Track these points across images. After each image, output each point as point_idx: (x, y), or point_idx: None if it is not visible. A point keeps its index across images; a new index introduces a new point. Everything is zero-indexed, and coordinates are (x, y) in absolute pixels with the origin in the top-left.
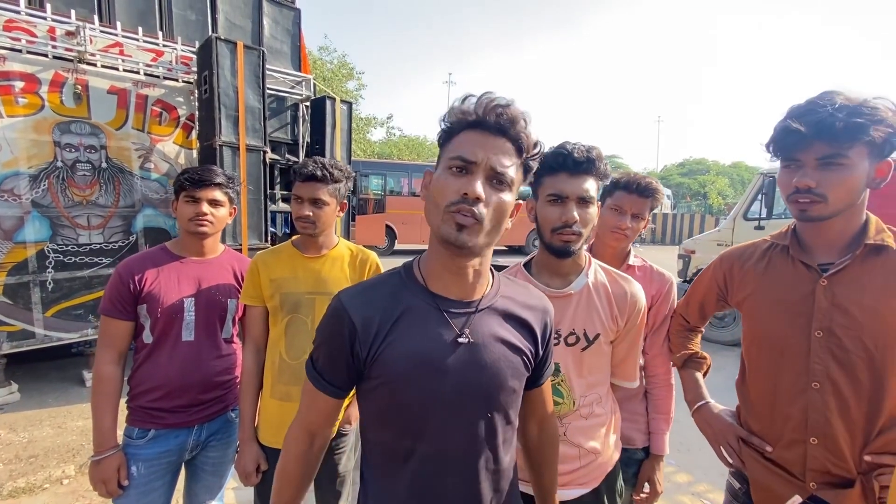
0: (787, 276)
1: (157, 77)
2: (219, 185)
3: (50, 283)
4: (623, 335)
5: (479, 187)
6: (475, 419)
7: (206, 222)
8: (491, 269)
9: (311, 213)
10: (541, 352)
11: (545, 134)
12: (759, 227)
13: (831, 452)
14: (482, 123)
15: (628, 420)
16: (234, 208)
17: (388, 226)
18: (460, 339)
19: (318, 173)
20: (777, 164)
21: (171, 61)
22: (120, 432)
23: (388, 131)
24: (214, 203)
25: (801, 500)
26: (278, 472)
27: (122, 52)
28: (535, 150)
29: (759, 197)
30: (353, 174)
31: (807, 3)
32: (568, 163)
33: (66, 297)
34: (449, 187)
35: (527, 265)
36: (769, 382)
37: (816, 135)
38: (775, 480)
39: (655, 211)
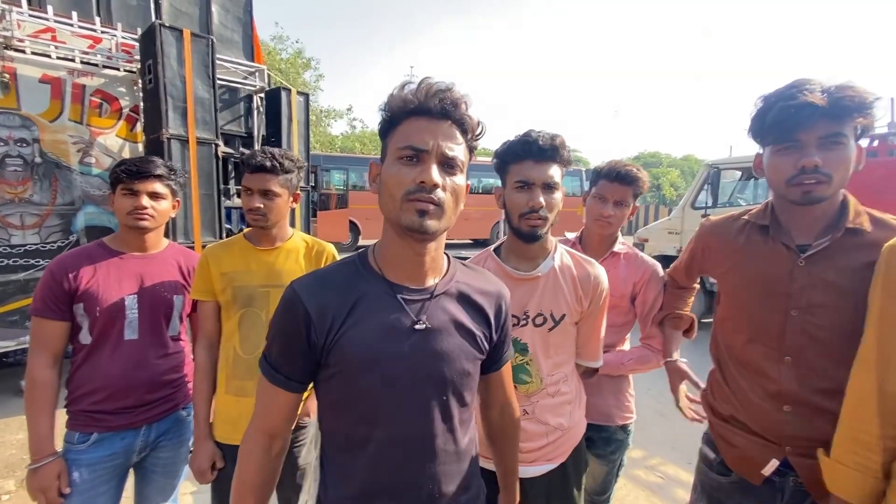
0: (765, 254)
1: (96, 66)
2: (159, 176)
3: None
4: (586, 316)
5: (436, 174)
6: (431, 403)
7: (146, 216)
8: (447, 255)
9: (261, 205)
10: (495, 336)
11: (510, 130)
12: (706, 216)
13: (805, 420)
14: (426, 109)
15: (610, 396)
16: (178, 201)
17: (351, 221)
18: (417, 326)
19: (268, 164)
20: (723, 155)
21: (110, 49)
22: (60, 439)
23: (349, 123)
24: (155, 196)
25: (777, 463)
26: (237, 484)
27: (54, 39)
28: (479, 131)
29: (706, 187)
30: (305, 164)
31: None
32: (533, 150)
33: None
34: (404, 176)
35: (496, 250)
36: (747, 353)
37: (825, 110)
38: (752, 447)
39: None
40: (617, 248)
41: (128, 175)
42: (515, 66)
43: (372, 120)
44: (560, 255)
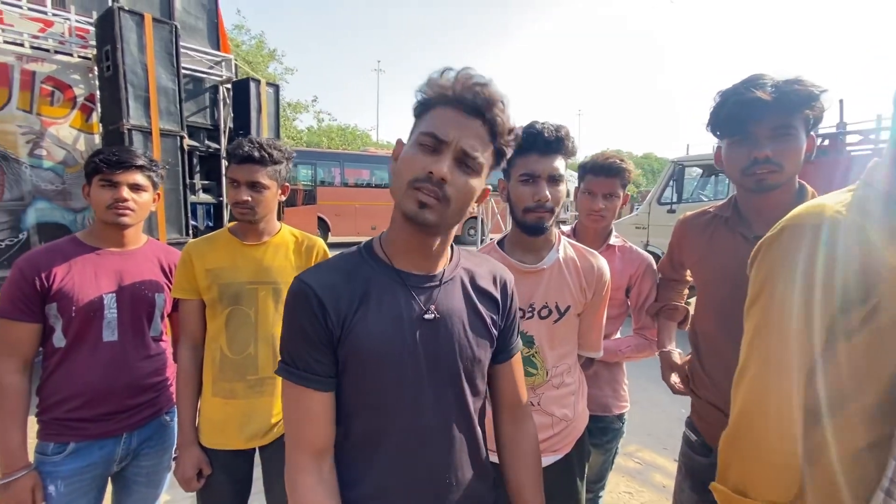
0: (727, 246)
1: (47, 51)
2: (140, 167)
3: None
4: (589, 306)
5: (446, 168)
6: (446, 392)
7: (126, 210)
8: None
9: (249, 198)
10: (504, 319)
11: None
12: (672, 211)
13: None
14: (459, 101)
15: (607, 388)
16: (158, 194)
17: (320, 218)
18: (426, 316)
19: (256, 154)
20: (681, 153)
21: (63, 33)
22: (31, 450)
23: (316, 116)
24: (136, 188)
25: None
26: None
27: (1, 22)
28: (510, 136)
29: (671, 183)
30: (294, 154)
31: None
32: (538, 143)
33: None
34: (416, 163)
35: (500, 243)
36: (718, 342)
37: (773, 104)
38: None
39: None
40: (612, 241)
41: (107, 165)
42: (479, 56)
43: (340, 116)
44: (564, 246)
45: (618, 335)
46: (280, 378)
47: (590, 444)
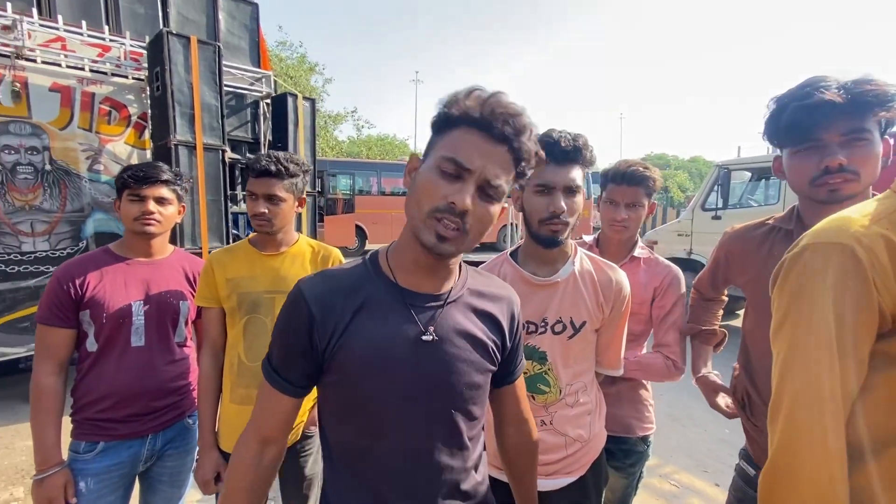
0: None
1: (105, 74)
2: (165, 181)
3: None
4: (608, 322)
5: (469, 199)
6: (437, 417)
7: (153, 221)
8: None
9: (266, 210)
10: (509, 343)
11: None
12: (717, 218)
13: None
14: (486, 126)
15: (628, 407)
16: (183, 206)
17: (358, 226)
18: (424, 337)
19: (273, 168)
20: (731, 156)
21: (119, 57)
22: (65, 448)
23: (356, 126)
24: (161, 201)
25: None
26: (226, 487)
27: (64, 48)
28: (533, 161)
29: (716, 188)
30: (311, 167)
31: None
32: (555, 152)
33: (9, 309)
34: (437, 190)
35: (513, 254)
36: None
37: (844, 107)
38: None
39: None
40: (637, 252)
41: (134, 180)
42: (521, 64)
43: (379, 125)
44: (580, 259)
45: (645, 352)
46: None
47: (611, 466)
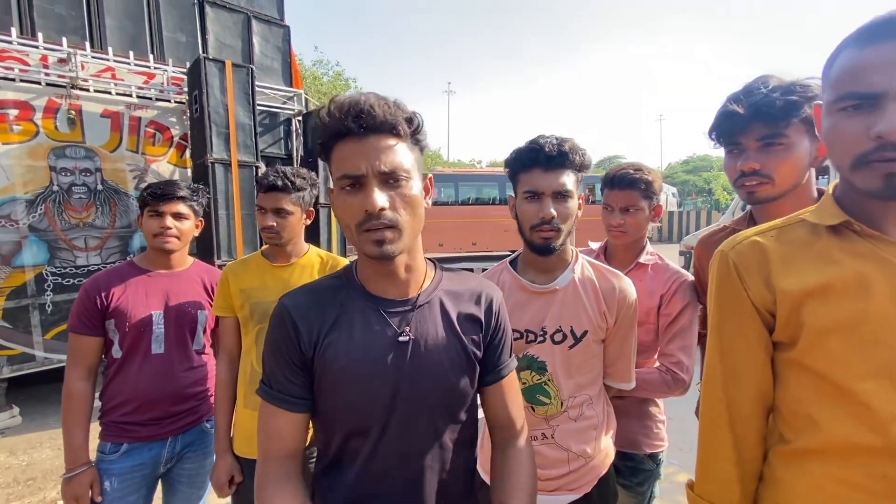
0: None
1: (150, 99)
2: (182, 198)
3: (49, 306)
4: (614, 333)
5: (378, 199)
6: (418, 419)
7: (170, 237)
8: (433, 262)
9: (274, 224)
10: (488, 337)
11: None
12: None
13: None
14: (347, 131)
15: (635, 422)
16: (201, 220)
17: None
18: (401, 339)
19: (279, 183)
20: None
21: (162, 83)
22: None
23: None
24: (178, 216)
25: None
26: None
27: (114, 77)
28: (415, 125)
29: None
30: (318, 181)
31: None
32: (540, 158)
33: (65, 319)
34: (350, 208)
35: (513, 262)
36: None
37: (754, 116)
38: None
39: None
40: (643, 258)
41: (153, 197)
42: (557, 74)
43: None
44: (581, 266)
45: (656, 364)
46: None
47: (619, 484)
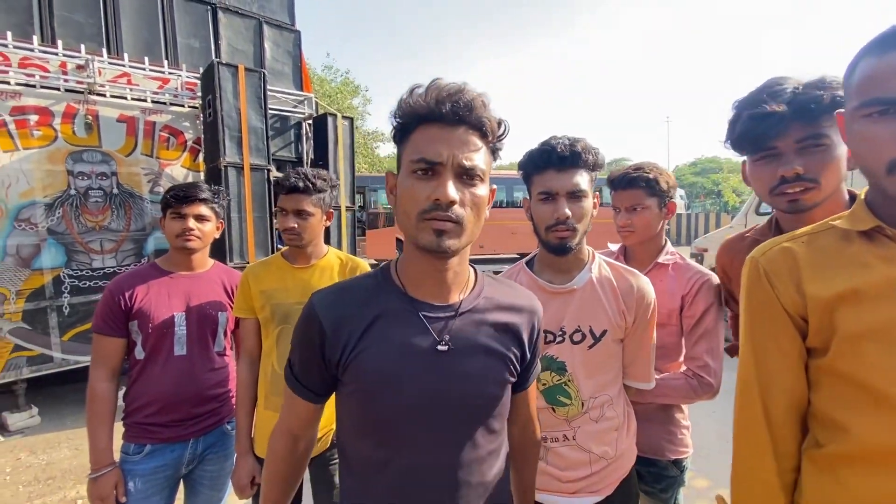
0: None
1: (164, 104)
2: (204, 200)
3: (66, 308)
4: (632, 332)
5: (452, 190)
6: (455, 431)
7: (192, 237)
8: (474, 269)
9: (296, 225)
10: (528, 355)
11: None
12: None
13: None
14: (437, 116)
15: (658, 426)
16: (221, 222)
17: (398, 239)
18: (439, 347)
19: (301, 184)
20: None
21: (176, 88)
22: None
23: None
24: (200, 218)
25: None
26: (265, 473)
27: (129, 82)
28: (501, 131)
29: None
30: (338, 183)
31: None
32: (553, 159)
33: (82, 320)
34: (418, 193)
35: (529, 263)
36: None
37: (795, 115)
38: None
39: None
40: (663, 258)
41: (175, 200)
42: (564, 78)
43: None
44: (598, 265)
45: (683, 368)
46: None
47: (642, 490)
